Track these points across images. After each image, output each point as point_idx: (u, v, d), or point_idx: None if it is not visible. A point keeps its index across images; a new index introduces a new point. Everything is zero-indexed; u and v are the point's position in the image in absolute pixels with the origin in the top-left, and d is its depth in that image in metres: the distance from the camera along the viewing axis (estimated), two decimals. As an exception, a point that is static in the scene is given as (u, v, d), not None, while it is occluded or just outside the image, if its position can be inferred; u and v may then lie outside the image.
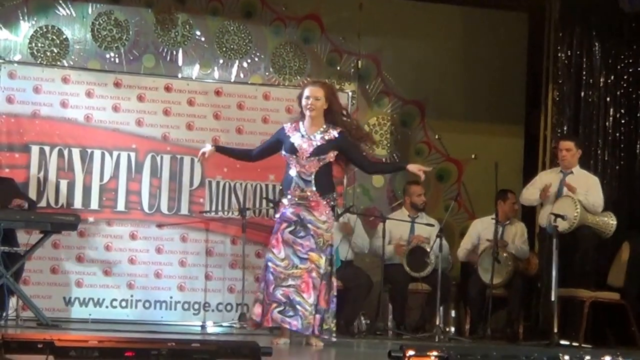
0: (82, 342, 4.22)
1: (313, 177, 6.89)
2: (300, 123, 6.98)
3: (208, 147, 7.22)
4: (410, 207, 9.15)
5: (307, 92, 6.94)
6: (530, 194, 8.61)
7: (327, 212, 6.93)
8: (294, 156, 6.89)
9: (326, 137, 6.91)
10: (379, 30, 9.87)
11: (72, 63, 9.13)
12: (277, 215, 7.00)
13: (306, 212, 6.88)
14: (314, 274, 6.82)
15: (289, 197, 6.91)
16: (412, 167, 7.21)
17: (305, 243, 6.85)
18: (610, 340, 8.63)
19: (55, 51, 9.12)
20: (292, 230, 6.87)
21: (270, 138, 7.18)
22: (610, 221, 8.39)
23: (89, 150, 8.89)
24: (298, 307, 6.77)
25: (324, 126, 6.95)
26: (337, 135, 6.93)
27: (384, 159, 9.86)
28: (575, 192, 8.24)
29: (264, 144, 7.28)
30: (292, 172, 6.91)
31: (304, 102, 6.94)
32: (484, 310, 8.30)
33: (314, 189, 6.88)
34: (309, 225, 6.86)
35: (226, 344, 4.58)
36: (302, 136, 6.92)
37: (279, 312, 6.78)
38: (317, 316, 6.80)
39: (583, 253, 8.36)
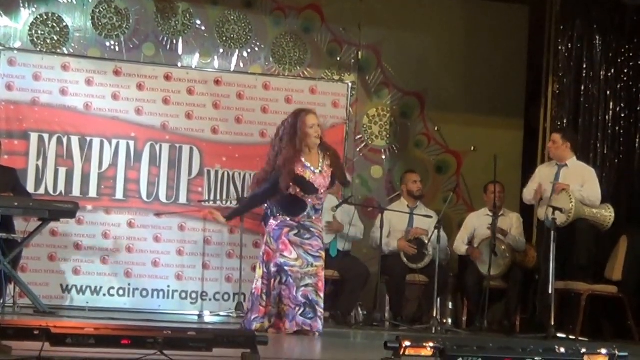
0: (78, 329, 4.15)
1: (322, 204, 6.97)
2: (302, 159, 6.78)
3: (221, 219, 7.26)
4: (408, 195, 9.15)
5: (311, 120, 6.80)
6: (528, 193, 8.60)
7: (321, 221, 7.04)
8: (314, 195, 6.83)
9: (327, 163, 6.87)
10: (380, 21, 9.85)
11: (72, 51, 9.14)
12: (274, 224, 6.85)
13: (307, 221, 6.88)
14: (323, 273, 6.87)
15: (291, 223, 6.84)
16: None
17: (314, 243, 6.84)
18: (606, 334, 8.62)
19: (56, 39, 9.12)
20: (296, 233, 6.83)
21: (275, 182, 6.79)
22: (607, 213, 8.37)
23: (88, 138, 8.87)
24: (317, 307, 6.76)
25: (318, 151, 6.88)
26: (331, 157, 6.91)
27: (383, 150, 9.92)
28: (568, 188, 8.20)
29: (270, 187, 6.82)
30: (308, 205, 6.82)
31: (310, 131, 6.76)
32: (481, 302, 8.28)
33: (321, 212, 6.97)
34: (312, 229, 6.85)
35: (222, 333, 4.52)
36: (314, 172, 6.79)
37: (301, 314, 6.74)
38: None
39: (581, 246, 8.34)
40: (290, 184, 6.73)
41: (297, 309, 6.73)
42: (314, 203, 6.85)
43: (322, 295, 6.80)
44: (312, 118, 6.82)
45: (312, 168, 6.81)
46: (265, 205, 7.09)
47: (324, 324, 6.87)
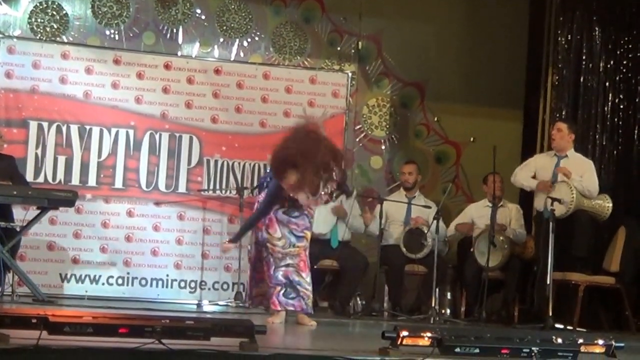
0: (76, 317, 4.19)
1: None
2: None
3: (230, 246, 7.30)
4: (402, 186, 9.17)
5: (303, 196, 6.67)
6: (523, 178, 8.54)
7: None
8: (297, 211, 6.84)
9: (327, 190, 6.74)
10: (380, 11, 9.83)
11: (71, 39, 9.12)
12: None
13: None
14: (307, 252, 6.87)
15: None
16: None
17: (300, 222, 6.85)
18: (604, 324, 8.64)
19: (55, 27, 9.11)
20: (285, 210, 6.83)
21: (274, 193, 6.78)
22: (605, 204, 8.37)
23: (88, 127, 8.84)
24: (298, 287, 6.77)
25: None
26: (330, 176, 6.78)
27: (382, 140, 9.91)
28: (570, 177, 8.21)
29: (271, 201, 6.81)
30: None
31: (302, 197, 6.69)
32: (480, 293, 8.27)
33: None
34: (302, 206, 6.83)
35: (220, 322, 4.56)
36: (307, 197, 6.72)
37: (283, 294, 6.76)
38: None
39: (579, 237, 8.35)
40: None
41: (279, 288, 6.74)
42: (292, 229, 6.88)
43: (304, 275, 6.79)
44: (288, 181, 6.56)
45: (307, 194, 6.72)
46: (262, 176, 7.17)
47: (321, 312, 6.94)
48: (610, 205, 8.35)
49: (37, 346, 3.91)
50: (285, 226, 6.82)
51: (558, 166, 8.37)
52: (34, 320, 4.03)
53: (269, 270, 6.78)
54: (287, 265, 6.77)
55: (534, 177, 8.48)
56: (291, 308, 6.79)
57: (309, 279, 6.82)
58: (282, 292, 6.76)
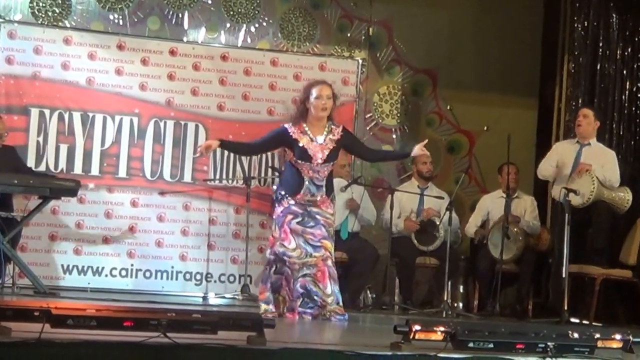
0: (80, 310, 4.15)
1: (324, 181, 6.78)
2: (304, 125, 6.76)
3: (214, 142, 6.97)
4: (418, 176, 9.08)
5: (318, 91, 6.73)
6: (545, 170, 8.48)
7: (332, 206, 6.86)
8: (308, 163, 6.70)
9: (333, 138, 6.77)
10: (392, -3, 9.80)
11: (74, 24, 9.03)
12: (279, 211, 6.77)
13: (313, 207, 6.75)
14: (329, 262, 6.72)
15: (295, 200, 6.73)
16: (416, 150, 7.01)
17: (317, 232, 6.72)
18: (621, 319, 8.57)
19: (57, 11, 9.00)
20: (299, 221, 6.72)
21: (271, 135, 6.94)
22: (626, 196, 8.26)
23: (90, 114, 8.78)
24: (316, 297, 6.67)
25: (327, 124, 6.81)
26: (341, 133, 6.82)
27: (393, 129, 9.85)
28: (591, 169, 8.10)
29: (265, 141, 7.03)
30: (304, 178, 6.72)
31: (316, 102, 6.70)
32: (493, 286, 8.23)
33: (324, 191, 6.78)
34: (317, 216, 6.73)
35: (228, 315, 4.53)
36: (312, 140, 6.72)
37: (300, 305, 6.69)
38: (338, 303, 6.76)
39: (596, 229, 8.25)
40: (286, 147, 6.81)
41: (297, 301, 6.68)
42: (311, 176, 6.73)
43: (322, 285, 6.67)
44: (320, 89, 6.74)
45: (311, 135, 6.73)
46: (274, 187, 7.09)
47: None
48: (631, 198, 8.25)
49: (39, 339, 3.87)
50: (299, 236, 6.69)
51: (580, 154, 8.27)
52: (36, 313, 4.01)
53: (289, 283, 6.70)
54: (305, 276, 6.67)
55: (556, 166, 8.40)
56: (308, 317, 6.70)
57: (328, 290, 6.69)
58: (300, 303, 6.68)
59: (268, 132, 6.98)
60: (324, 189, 6.79)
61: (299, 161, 6.71)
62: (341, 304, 6.81)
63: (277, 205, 6.82)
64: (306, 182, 6.72)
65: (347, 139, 6.87)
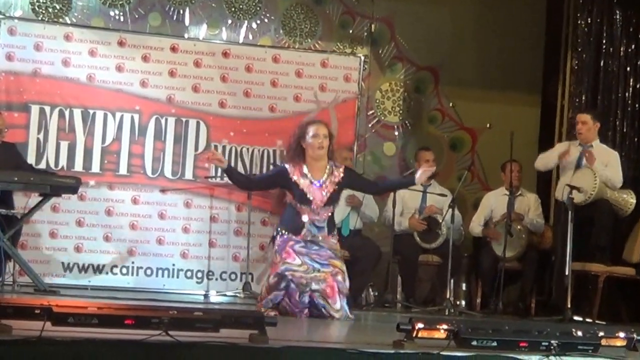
0: (81, 308, 4.12)
1: (325, 222, 6.71)
2: (304, 166, 6.66)
3: (223, 162, 6.94)
4: None
5: (314, 130, 6.64)
6: (546, 157, 8.49)
7: (336, 238, 6.80)
8: (308, 207, 6.63)
9: (334, 180, 6.69)
10: (394, -7, 9.77)
11: (75, 20, 9.00)
12: (279, 240, 6.68)
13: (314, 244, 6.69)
14: (339, 278, 6.60)
15: (297, 238, 6.64)
16: (419, 177, 6.91)
17: (323, 253, 6.64)
18: (623, 316, 8.53)
19: (58, 7, 8.97)
20: (302, 246, 6.62)
21: (271, 174, 6.98)
22: (630, 199, 8.28)
23: (91, 111, 8.73)
24: (323, 310, 6.55)
25: (328, 165, 6.72)
26: (343, 174, 6.74)
27: (395, 126, 9.79)
28: (594, 162, 8.10)
29: (264, 178, 7.10)
30: (304, 219, 6.64)
31: (312, 140, 6.61)
32: (496, 284, 8.19)
33: (326, 231, 6.72)
34: (321, 244, 6.66)
35: (230, 313, 4.49)
36: (311, 182, 6.63)
37: (307, 316, 6.59)
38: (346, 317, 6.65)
39: (599, 227, 8.22)
40: (285, 189, 6.66)
41: (304, 310, 6.55)
42: (312, 218, 6.65)
43: (331, 301, 6.54)
44: (317, 128, 6.65)
45: (311, 178, 6.64)
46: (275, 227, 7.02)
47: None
48: (634, 202, 8.28)
49: (40, 337, 3.84)
50: (305, 255, 6.60)
51: (582, 158, 8.25)
52: (37, 311, 3.98)
53: (293, 297, 6.53)
54: (314, 291, 6.53)
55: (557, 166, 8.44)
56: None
57: (337, 305, 6.55)
58: (306, 312, 6.56)
59: (269, 170, 7.01)
60: (326, 229, 6.72)
61: (299, 204, 6.63)
62: (350, 316, 6.69)
63: (277, 237, 6.72)
64: (307, 225, 6.65)
65: (349, 178, 6.78)
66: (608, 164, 8.22)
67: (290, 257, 6.56)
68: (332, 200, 6.71)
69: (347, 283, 6.67)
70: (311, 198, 6.61)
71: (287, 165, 6.71)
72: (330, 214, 6.74)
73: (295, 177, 6.63)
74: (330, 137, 6.71)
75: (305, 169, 6.65)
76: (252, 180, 7.24)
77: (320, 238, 6.68)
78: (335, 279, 6.56)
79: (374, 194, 8.10)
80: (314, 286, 6.50)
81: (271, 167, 8.95)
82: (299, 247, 6.61)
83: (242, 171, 8.81)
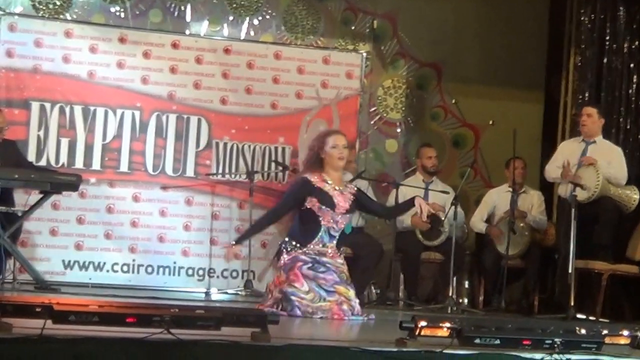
0: (82, 306, 4.10)
1: (338, 234, 6.64)
2: (323, 175, 6.60)
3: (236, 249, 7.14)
4: (423, 170, 9.04)
5: (334, 140, 6.59)
6: (552, 171, 8.43)
7: (342, 257, 6.71)
8: (331, 211, 6.55)
9: (351, 192, 6.67)
10: (396, -11, 9.75)
11: (75, 17, 8.97)
12: (287, 258, 6.57)
13: (323, 257, 6.59)
14: (344, 307, 6.48)
15: (305, 249, 6.56)
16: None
17: (329, 277, 6.53)
18: (627, 314, 8.50)
19: (58, 4, 8.95)
20: (310, 266, 6.53)
21: (292, 191, 6.71)
22: (633, 195, 8.22)
23: (92, 108, 8.69)
24: None
25: (343, 179, 6.77)
26: (355, 191, 6.72)
27: (398, 123, 9.80)
28: (596, 164, 8.05)
29: (286, 201, 6.75)
30: (321, 226, 6.55)
31: (332, 151, 6.55)
32: (499, 282, 8.17)
33: (334, 244, 6.64)
34: (328, 265, 6.57)
35: (232, 311, 4.48)
36: (335, 189, 6.58)
37: None
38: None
39: (603, 224, 8.19)
40: (308, 197, 6.53)
41: None
42: (329, 225, 6.57)
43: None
44: (336, 138, 6.62)
45: (332, 184, 6.59)
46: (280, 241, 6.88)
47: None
48: (638, 198, 8.21)
49: (41, 336, 3.83)
50: (312, 280, 6.49)
51: (586, 152, 8.25)
52: (38, 309, 3.97)
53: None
54: (320, 319, 6.37)
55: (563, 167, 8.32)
56: None
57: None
58: None
59: (286, 191, 6.84)
60: (335, 241, 6.65)
61: (322, 207, 6.53)
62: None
63: (284, 253, 6.62)
64: (322, 231, 6.57)
65: (361, 197, 6.76)
66: (612, 160, 8.18)
67: (299, 282, 6.45)
68: (351, 209, 6.66)
69: (356, 308, 6.55)
70: (336, 202, 6.55)
71: (307, 175, 6.63)
72: (344, 225, 6.66)
73: (318, 184, 6.57)
74: (350, 148, 6.75)
75: (325, 176, 6.60)
76: (275, 211, 6.89)
77: (328, 250, 6.59)
78: (341, 308, 6.45)
79: (384, 216, 8.03)
80: (320, 314, 6.39)
81: (273, 164, 8.94)
82: (306, 270, 6.49)
83: (244, 168, 8.78)
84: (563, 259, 8.00)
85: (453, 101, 9.81)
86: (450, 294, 8.15)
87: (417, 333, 4.41)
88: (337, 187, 6.61)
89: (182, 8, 9.19)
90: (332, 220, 6.57)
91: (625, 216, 8.45)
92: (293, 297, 6.39)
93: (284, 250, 6.63)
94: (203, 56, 8.93)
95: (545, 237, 8.79)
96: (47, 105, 8.58)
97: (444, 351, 4.30)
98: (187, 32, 9.17)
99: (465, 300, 8.98)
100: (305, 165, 6.78)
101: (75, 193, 8.22)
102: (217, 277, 8.83)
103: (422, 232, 8.64)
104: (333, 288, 6.50)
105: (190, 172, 8.87)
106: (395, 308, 8.25)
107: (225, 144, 8.92)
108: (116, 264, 8.66)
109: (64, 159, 8.60)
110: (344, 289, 6.54)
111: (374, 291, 8.55)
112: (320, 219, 6.55)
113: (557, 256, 8.47)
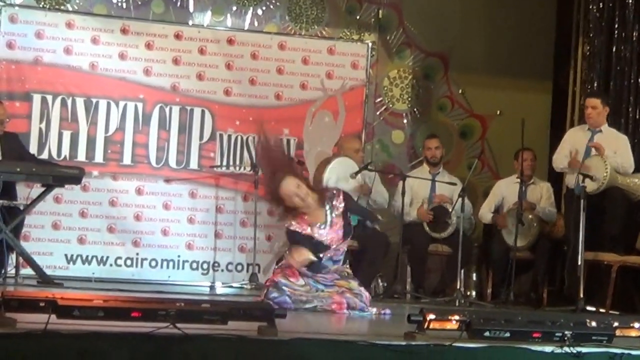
0: (87, 300, 4.10)
1: (342, 256, 6.51)
2: (305, 217, 6.34)
3: None
4: (426, 161, 9.03)
5: (285, 191, 6.25)
6: (559, 161, 8.38)
7: (347, 265, 6.61)
8: (327, 250, 6.37)
9: (339, 211, 6.40)
10: (402, -23, 9.72)
11: (76, 7, 8.94)
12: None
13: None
14: (348, 295, 6.36)
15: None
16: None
17: (328, 276, 6.42)
18: (637, 306, 8.38)
19: (59, -6, 8.95)
20: (308, 267, 6.38)
21: (290, 241, 6.47)
22: None
23: (94, 100, 8.66)
24: None
25: (324, 202, 6.40)
26: (342, 200, 6.46)
27: (404, 114, 9.77)
28: (603, 152, 8.00)
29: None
30: (323, 258, 6.37)
31: (292, 199, 6.25)
32: (507, 274, 8.10)
33: (340, 263, 6.51)
34: (328, 267, 6.45)
35: (238, 305, 4.49)
36: (322, 227, 6.36)
37: None
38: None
39: (612, 215, 8.13)
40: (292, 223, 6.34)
41: None
42: (331, 255, 6.42)
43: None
44: (285, 189, 6.27)
45: (318, 224, 6.37)
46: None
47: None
48: None
49: (45, 330, 3.82)
50: (309, 278, 6.38)
51: (592, 141, 8.17)
52: (42, 304, 3.96)
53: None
54: (314, 307, 6.24)
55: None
56: None
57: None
58: None
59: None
60: (341, 262, 6.53)
61: (320, 253, 6.36)
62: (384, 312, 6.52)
63: (289, 228, 6.45)
64: (324, 261, 6.41)
65: (349, 203, 6.55)
66: (618, 149, 8.13)
67: (294, 277, 6.33)
68: (347, 233, 6.45)
69: (365, 296, 6.44)
70: (327, 243, 6.38)
71: (292, 225, 6.36)
72: (345, 248, 6.54)
73: (304, 231, 6.35)
74: (306, 182, 6.44)
75: (307, 217, 6.37)
76: None
77: (332, 268, 6.47)
78: (343, 296, 6.33)
79: (371, 221, 7.35)
80: (316, 302, 6.26)
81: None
82: (304, 270, 6.34)
83: (248, 161, 8.68)
84: (572, 250, 7.91)
85: (460, 91, 9.81)
86: (457, 287, 8.11)
87: (425, 326, 4.38)
88: (322, 223, 6.38)
89: (185, -2, 9.20)
90: (331, 252, 6.42)
91: (635, 206, 8.36)
92: (285, 287, 6.28)
93: (289, 227, 6.42)
94: (206, 47, 8.89)
95: (555, 228, 8.73)
96: (49, 98, 8.56)
97: (454, 344, 4.26)
98: (190, 22, 9.12)
99: (473, 293, 8.93)
100: (285, 216, 6.42)
101: (77, 186, 8.20)
102: (222, 270, 8.80)
103: (429, 224, 8.60)
104: (333, 283, 6.42)
105: (194, 164, 8.84)
106: (403, 301, 8.19)
107: (229, 136, 8.89)
108: (119, 257, 8.63)
109: (66, 151, 8.58)
110: (345, 283, 6.44)
111: (380, 284, 8.49)
112: (321, 255, 6.40)
113: (566, 248, 8.37)
